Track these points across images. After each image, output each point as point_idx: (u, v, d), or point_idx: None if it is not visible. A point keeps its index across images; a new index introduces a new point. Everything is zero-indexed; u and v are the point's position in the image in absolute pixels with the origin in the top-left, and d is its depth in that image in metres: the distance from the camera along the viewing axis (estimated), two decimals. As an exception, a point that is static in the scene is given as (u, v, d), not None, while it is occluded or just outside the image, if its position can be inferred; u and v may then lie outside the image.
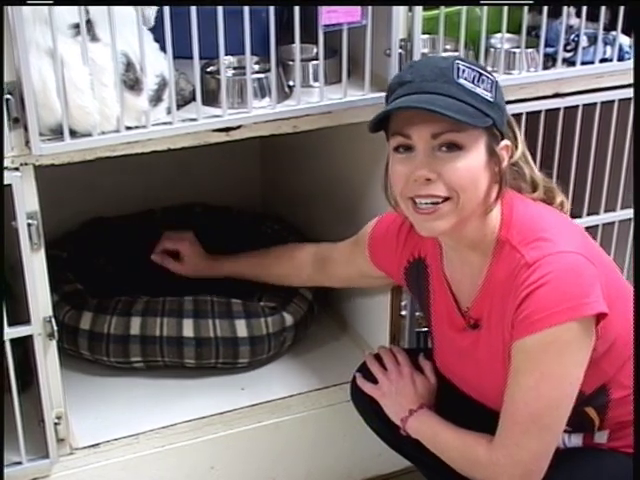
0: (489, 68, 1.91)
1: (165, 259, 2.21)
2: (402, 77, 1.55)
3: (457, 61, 1.52)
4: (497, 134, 1.55)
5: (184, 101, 1.77)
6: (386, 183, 1.63)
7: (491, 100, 1.52)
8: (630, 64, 1.98)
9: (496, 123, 1.53)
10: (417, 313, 2.09)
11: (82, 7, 1.57)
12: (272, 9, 1.69)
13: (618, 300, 1.58)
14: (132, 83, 1.64)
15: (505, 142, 1.57)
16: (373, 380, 1.85)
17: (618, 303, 1.58)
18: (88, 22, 1.60)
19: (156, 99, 1.68)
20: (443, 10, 1.82)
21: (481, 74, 1.52)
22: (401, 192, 1.56)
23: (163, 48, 1.66)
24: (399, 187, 1.56)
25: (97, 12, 1.61)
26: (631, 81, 2.00)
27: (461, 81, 1.50)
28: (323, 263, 2.04)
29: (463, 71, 1.51)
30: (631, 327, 1.61)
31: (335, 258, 2.00)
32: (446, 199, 1.52)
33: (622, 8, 1.93)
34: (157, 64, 1.68)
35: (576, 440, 1.69)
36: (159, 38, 1.67)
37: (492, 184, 1.56)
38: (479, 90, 1.51)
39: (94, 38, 1.61)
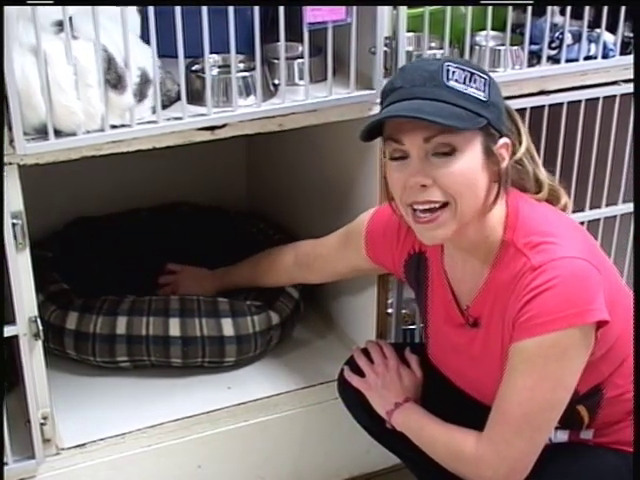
0: (474, 66, 1.92)
1: None
2: (393, 83, 1.54)
3: (447, 63, 1.50)
4: (494, 133, 1.53)
5: (170, 101, 1.76)
6: (387, 189, 1.62)
7: (484, 99, 1.51)
8: (614, 62, 2.00)
9: (491, 122, 1.51)
10: (403, 310, 2.10)
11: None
12: (257, 7, 1.69)
13: (618, 304, 1.59)
14: (115, 81, 1.63)
15: (504, 140, 1.55)
16: (361, 374, 1.85)
17: (618, 307, 1.58)
18: (69, 18, 1.59)
19: (139, 94, 1.67)
20: (428, 8, 1.82)
21: (473, 74, 1.51)
22: (400, 199, 1.56)
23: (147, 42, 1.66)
24: (397, 194, 1.56)
25: (77, 7, 1.61)
26: (615, 79, 2.03)
27: (451, 83, 1.49)
28: (307, 262, 2.04)
29: (453, 73, 1.49)
30: (629, 330, 1.61)
31: (320, 255, 2.00)
32: (444, 204, 1.52)
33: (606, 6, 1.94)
34: (139, 57, 1.67)
35: (562, 436, 1.70)
36: (143, 37, 1.66)
37: (492, 184, 1.54)
38: (471, 90, 1.50)
39: (73, 35, 1.60)
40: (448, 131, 1.47)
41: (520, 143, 1.61)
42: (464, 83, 1.50)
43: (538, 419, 1.53)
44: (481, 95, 1.51)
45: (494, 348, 1.61)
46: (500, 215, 1.58)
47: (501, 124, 1.55)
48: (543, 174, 1.66)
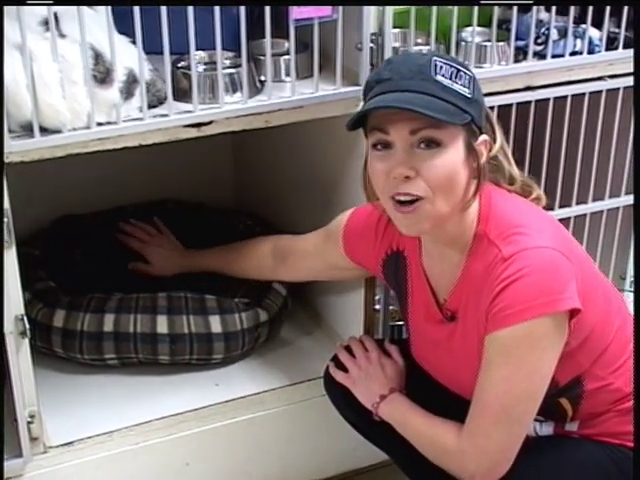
0: (460, 62, 1.92)
1: (137, 265, 2.29)
2: (380, 75, 1.54)
3: (435, 58, 1.51)
4: (475, 130, 1.55)
5: (159, 102, 1.75)
6: (365, 179, 1.63)
7: (469, 96, 1.52)
8: (600, 57, 2.00)
9: (474, 119, 1.53)
10: (391, 307, 2.10)
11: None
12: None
13: (593, 294, 1.60)
14: (102, 76, 1.62)
15: (483, 137, 1.56)
16: (345, 371, 1.86)
17: (592, 297, 1.59)
18: (55, 16, 1.58)
19: (126, 92, 1.67)
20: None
21: (459, 70, 1.52)
22: (382, 190, 1.56)
23: (132, 43, 1.65)
24: (380, 185, 1.56)
25: (62, 8, 1.60)
26: (601, 74, 2.03)
27: (439, 78, 1.50)
28: (283, 256, 2.03)
29: (441, 68, 1.50)
30: (606, 320, 1.63)
31: (299, 250, 2.00)
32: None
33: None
34: (127, 57, 1.66)
35: (547, 429, 1.71)
36: (129, 33, 1.65)
37: (470, 180, 1.56)
38: (457, 86, 1.51)
39: (60, 34, 1.60)
40: (435, 125, 1.48)
41: (494, 140, 1.61)
42: (450, 79, 1.51)
43: (516, 410, 1.54)
44: (466, 92, 1.52)
45: (471, 341, 1.61)
46: (475, 208, 1.60)
47: (481, 121, 1.56)
48: (515, 171, 1.67)
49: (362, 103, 1.80)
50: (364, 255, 1.85)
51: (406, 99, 1.48)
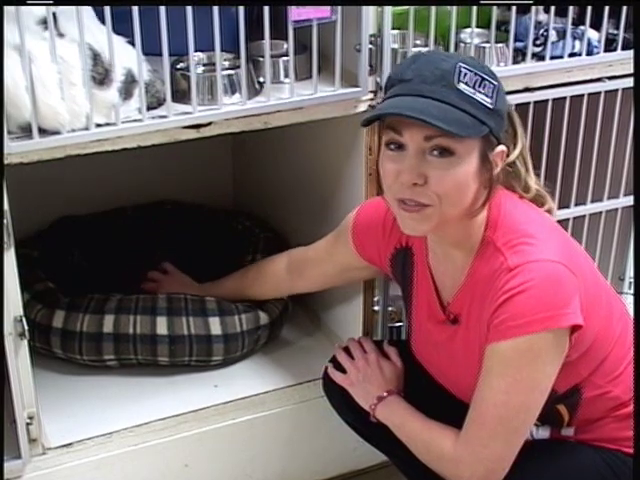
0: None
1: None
2: (403, 74, 1.51)
3: (460, 64, 1.48)
4: (493, 141, 1.52)
5: (159, 103, 1.75)
6: (379, 173, 1.61)
7: (490, 107, 1.49)
8: (599, 58, 2.00)
9: (492, 130, 1.50)
10: (390, 308, 2.10)
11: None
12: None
13: (595, 305, 1.59)
14: (101, 77, 1.62)
15: (500, 148, 1.54)
16: (344, 372, 1.86)
17: (595, 309, 1.58)
18: (53, 15, 1.58)
19: (125, 92, 1.67)
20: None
21: (483, 78, 1.49)
22: (389, 189, 1.55)
23: (131, 44, 1.65)
24: (388, 184, 1.55)
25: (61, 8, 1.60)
26: (600, 75, 2.03)
27: (461, 86, 1.47)
28: (299, 268, 2.03)
29: (465, 75, 1.47)
30: (607, 329, 1.62)
31: (311, 258, 2.00)
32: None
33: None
34: (125, 58, 1.66)
35: (544, 433, 1.70)
36: (128, 34, 1.66)
37: (481, 190, 1.54)
38: (479, 96, 1.48)
39: (59, 34, 1.60)
40: (450, 135, 1.46)
41: (515, 145, 1.59)
42: (473, 87, 1.48)
43: (514, 422, 1.54)
44: (488, 102, 1.49)
45: (473, 346, 1.61)
46: (484, 214, 1.58)
47: (500, 132, 1.53)
48: (532, 179, 1.65)
49: (363, 106, 1.82)
50: (373, 251, 1.84)
51: (422, 107, 1.46)
